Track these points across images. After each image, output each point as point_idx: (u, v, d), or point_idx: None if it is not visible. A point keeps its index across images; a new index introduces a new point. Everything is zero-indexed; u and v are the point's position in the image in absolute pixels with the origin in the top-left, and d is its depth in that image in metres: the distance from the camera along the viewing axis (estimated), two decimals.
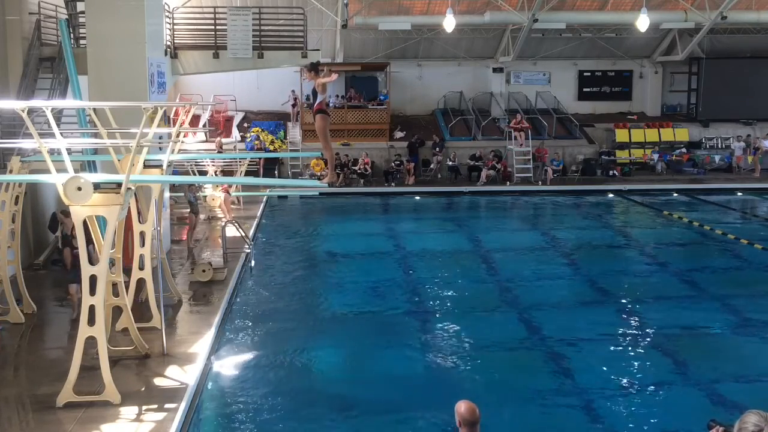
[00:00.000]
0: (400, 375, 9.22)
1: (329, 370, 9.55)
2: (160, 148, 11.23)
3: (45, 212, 14.02)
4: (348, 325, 11.37)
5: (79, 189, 7.23)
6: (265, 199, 21.43)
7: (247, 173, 22.32)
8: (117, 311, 9.19)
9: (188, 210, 16.00)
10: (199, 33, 18.13)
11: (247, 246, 14.23)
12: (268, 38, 17.88)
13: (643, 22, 22.68)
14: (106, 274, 7.77)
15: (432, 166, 25.49)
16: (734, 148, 26.92)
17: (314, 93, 8.53)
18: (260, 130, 25.51)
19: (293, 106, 26.17)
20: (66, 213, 11.39)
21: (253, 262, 14.15)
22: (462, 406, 4.87)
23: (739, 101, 27.76)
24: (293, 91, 26.41)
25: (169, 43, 16.37)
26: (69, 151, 7.98)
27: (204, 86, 26.03)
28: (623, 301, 12.68)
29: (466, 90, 28.52)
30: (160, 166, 9.80)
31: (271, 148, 24.51)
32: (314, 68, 7.71)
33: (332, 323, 11.47)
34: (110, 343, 8.21)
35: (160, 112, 8.56)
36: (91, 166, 11.74)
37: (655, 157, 26.47)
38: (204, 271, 12.42)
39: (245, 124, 26.53)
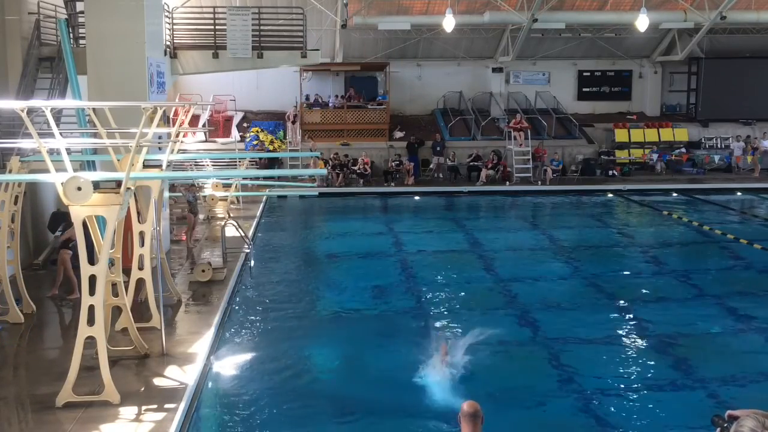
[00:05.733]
0: (400, 375, 9.20)
1: (329, 370, 9.54)
2: (160, 148, 11.23)
3: (44, 212, 14.00)
4: (347, 325, 11.36)
5: (79, 189, 7.22)
6: (264, 199, 21.42)
7: None
8: (116, 311, 9.18)
9: (187, 210, 15.99)
10: (198, 33, 18.12)
11: (246, 246, 14.22)
12: (267, 38, 17.87)
13: (642, 22, 22.71)
14: (105, 274, 7.77)
15: (431, 166, 25.50)
16: (733, 148, 26.94)
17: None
18: (259, 130, 25.51)
19: (293, 122, 26.12)
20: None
21: (252, 262, 14.14)
22: (463, 403, 4.99)
23: (739, 101, 27.80)
24: (294, 106, 26.40)
25: (168, 43, 16.36)
26: (68, 151, 7.96)
27: (203, 86, 26.04)
28: (623, 301, 12.66)
29: (466, 90, 28.54)
30: (159, 166, 9.79)
31: (271, 148, 24.51)
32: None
33: (332, 323, 11.46)
34: (110, 343, 8.20)
35: (159, 112, 8.54)
36: (90, 166, 11.71)
37: (655, 157, 26.49)
38: (203, 271, 12.41)
39: (245, 124, 26.54)
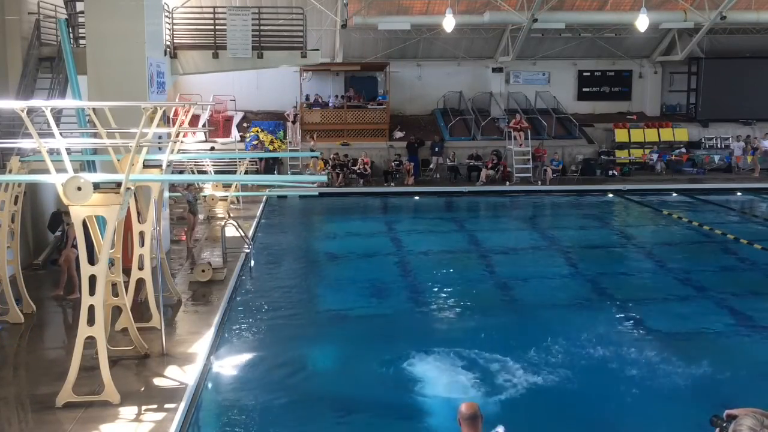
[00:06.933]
0: (400, 376, 9.20)
1: (329, 370, 9.55)
2: (160, 148, 11.23)
3: (44, 212, 14.01)
4: (347, 325, 11.37)
5: (79, 189, 7.22)
6: (264, 199, 21.43)
7: (247, 174, 22.35)
8: (116, 311, 9.18)
9: (187, 210, 15.99)
10: (198, 33, 18.12)
11: (246, 246, 14.22)
12: (267, 38, 17.87)
13: (642, 22, 22.71)
14: (105, 274, 7.77)
15: (431, 166, 25.50)
16: (733, 148, 26.95)
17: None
18: (260, 129, 25.51)
19: (293, 122, 26.10)
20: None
21: (252, 262, 14.14)
22: (461, 405, 4.96)
23: (739, 101, 27.80)
24: (294, 107, 26.40)
25: (168, 43, 16.36)
26: (68, 151, 7.96)
27: (203, 86, 26.04)
28: (622, 301, 12.66)
29: (466, 90, 28.55)
30: (159, 166, 9.80)
31: (271, 148, 24.51)
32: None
33: (332, 323, 11.47)
34: (110, 343, 8.21)
35: (159, 112, 8.55)
36: (90, 166, 11.72)
37: (655, 157, 26.49)
38: (203, 271, 12.42)
39: (245, 124, 26.54)
